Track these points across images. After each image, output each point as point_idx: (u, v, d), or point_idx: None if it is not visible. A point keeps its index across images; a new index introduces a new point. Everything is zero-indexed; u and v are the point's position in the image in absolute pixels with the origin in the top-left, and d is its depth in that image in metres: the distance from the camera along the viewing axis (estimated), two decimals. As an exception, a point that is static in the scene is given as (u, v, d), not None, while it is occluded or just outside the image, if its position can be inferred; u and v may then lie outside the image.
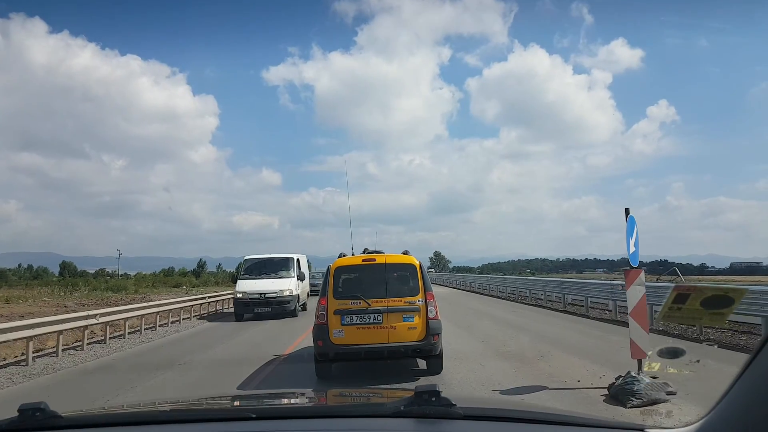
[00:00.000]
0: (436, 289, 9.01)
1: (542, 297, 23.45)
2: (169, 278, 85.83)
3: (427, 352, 8.22)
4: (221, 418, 1.99)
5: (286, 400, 2.92)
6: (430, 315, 8.12)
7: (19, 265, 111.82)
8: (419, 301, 8.18)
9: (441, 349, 8.32)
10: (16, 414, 1.70)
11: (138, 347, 13.66)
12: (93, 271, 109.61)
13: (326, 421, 1.95)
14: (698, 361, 7.35)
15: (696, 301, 1.91)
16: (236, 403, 2.60)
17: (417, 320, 8.08)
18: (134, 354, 12.69)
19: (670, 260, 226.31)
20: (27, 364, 10.75)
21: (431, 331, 8.04)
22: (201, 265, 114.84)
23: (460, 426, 1.71)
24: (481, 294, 33.16)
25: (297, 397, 3.09)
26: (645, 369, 6.99)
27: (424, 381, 8.09)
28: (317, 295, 9.10)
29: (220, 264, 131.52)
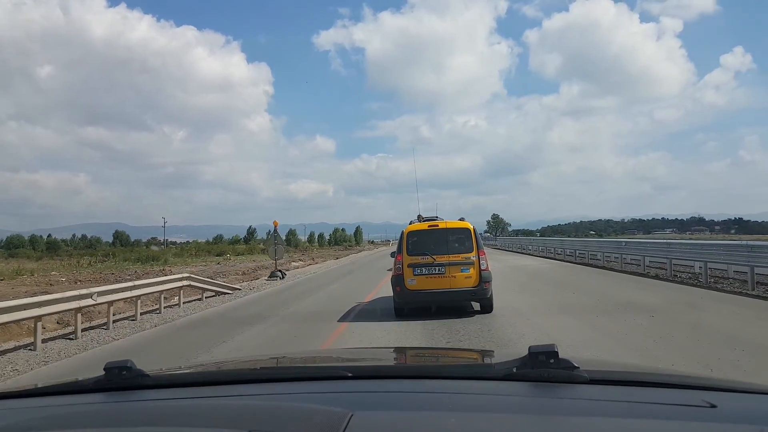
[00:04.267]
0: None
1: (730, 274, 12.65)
2: (214, 246, 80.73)
3: (481, 296, 9.71)
4: (316, 376, 1.72)
5: (380, 359, 2.40)
6: (482, 267, 9.66)
7: (74, 236, 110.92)
8: (473, 257, 9.73)
9: (491, 294, 9.80)
10: (102, 373, 1.57)
11: None
12: (145, 240, 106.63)
13: (430, 382, 1.60)
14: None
15: None
16: (326, 361, 2.33)
17: (472, 271, 9.64)
18: None
19: (744, 218, 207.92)
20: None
21: (483, 279, 9.61)
22: (251, 232, 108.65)
23: (585, 391, 1.37)
24: (625, 272, 18.06)
25: (390, 356, 2.68)
26: None
27: (477, 317, 9.46)
28: None
29: (269, 231, 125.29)
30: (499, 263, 24.77)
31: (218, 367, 2.13)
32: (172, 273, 33.95)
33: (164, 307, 12.36)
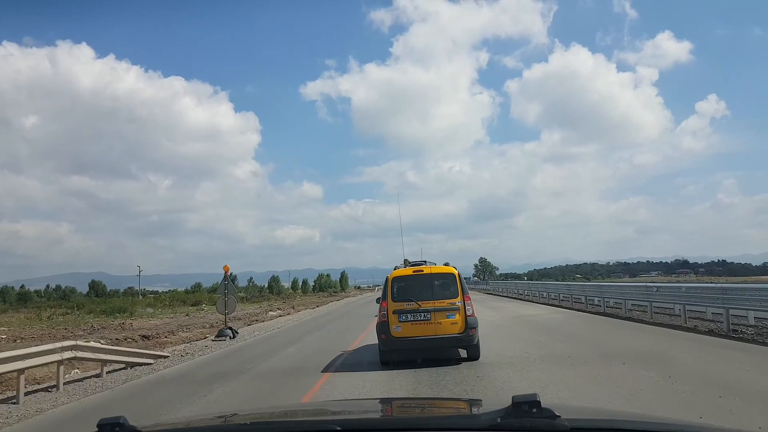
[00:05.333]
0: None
1: None
2: (191, 295, 76.11)
3: (467, 342, 9.39)
4: (306, 430, 1.79)
5: (368, 411, 2.41)
6: (468, 313, 9.33)
7: (47, 286, 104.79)
8: (459, 302, 9.41)
9: (477, 340, 9.54)
10: (95, 429, 1.55)
11: None
12: (123, 290, 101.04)
13: None
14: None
15: None
16: (313, 414, 2.33)
17: (457, 317, 9.32)
18: None
19: (728, 260, 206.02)
20: None
21: (469, 326, 9.29)
22: (231, 279, 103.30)
23: None
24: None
25: (377, 408, 2.68)
26: None
27: (465, 366, 8.90)
28: None
29: (251, 278, 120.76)
30: (498, 313, 20.85)
31: (206, 423, 2.10)
32: (132, 327, 29.79)
33: (24, 394, 8.22)
